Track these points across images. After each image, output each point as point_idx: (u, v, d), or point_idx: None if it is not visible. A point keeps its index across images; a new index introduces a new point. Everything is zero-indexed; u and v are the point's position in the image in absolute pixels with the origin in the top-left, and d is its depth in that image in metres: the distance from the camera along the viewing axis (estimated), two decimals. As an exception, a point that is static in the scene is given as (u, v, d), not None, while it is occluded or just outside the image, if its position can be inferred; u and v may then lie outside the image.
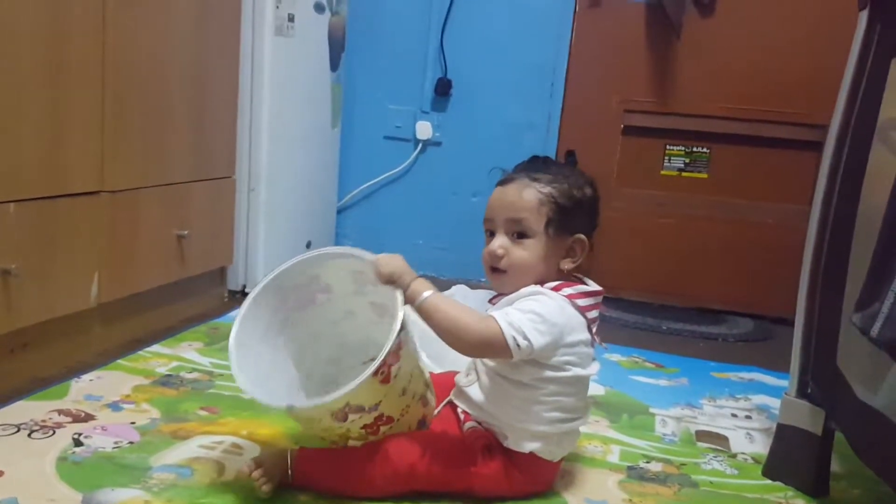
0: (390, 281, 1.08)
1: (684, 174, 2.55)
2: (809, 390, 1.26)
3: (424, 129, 2.69)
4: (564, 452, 1.17)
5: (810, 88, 2.34)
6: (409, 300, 1.07)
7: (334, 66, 2.42)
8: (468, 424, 1.14)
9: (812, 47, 2.34)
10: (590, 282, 1.17)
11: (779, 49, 2.40)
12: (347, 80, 2.60)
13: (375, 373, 1.03)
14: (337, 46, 2.42)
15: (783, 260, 2.29)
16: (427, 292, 1.07)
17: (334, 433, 1.11)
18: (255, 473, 1.05)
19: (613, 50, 2.53)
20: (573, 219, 1.13)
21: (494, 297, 1.18)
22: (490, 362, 1.14)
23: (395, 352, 1.05)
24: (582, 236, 1.14)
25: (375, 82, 2.72)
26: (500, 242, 1.13)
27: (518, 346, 1.04)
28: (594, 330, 1.14)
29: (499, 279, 1.15)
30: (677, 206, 2.55)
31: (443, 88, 2.64)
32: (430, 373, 1.26)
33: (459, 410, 1.18)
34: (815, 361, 1.24)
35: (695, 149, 2.53)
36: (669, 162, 2.56)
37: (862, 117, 1.19)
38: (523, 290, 1.11)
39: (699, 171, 2.54)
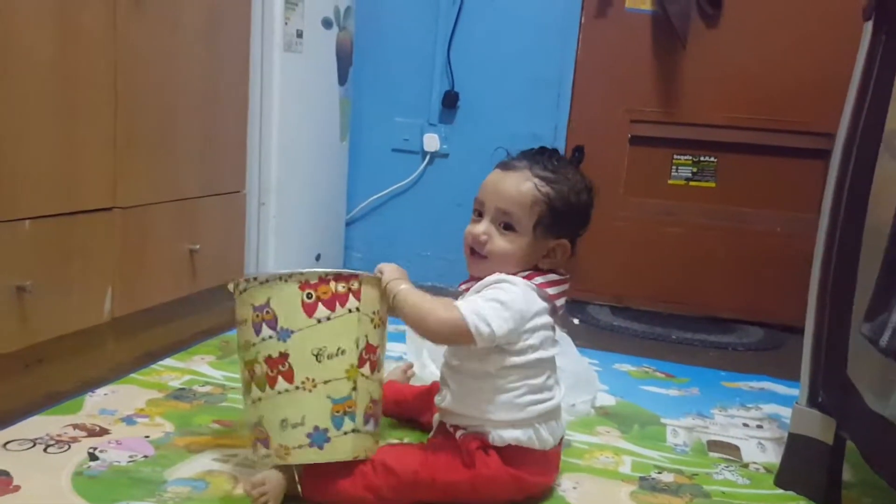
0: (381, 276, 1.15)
1: (692, 183, 2.56)
2: (820, 399, 1.26)
3: (432, 142, 2.70)
4: (555, 439, 1.17)
5: (817, 97, 2.34)
6: (387, 295, 1.13)
7: (342, 80, 2.44)
8: (459, 433, 1.15)
9: (817, 56, 2.34)
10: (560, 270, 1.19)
11: (784, 58, 2.40)
12: (355, 94, 2.62)
13: (303, 286, 1.08)
14: (345, 61, 2.44)
15: (792, 268, 2.29)
16: (402, 286, 1.13)
17: (248, 353, 1.11)
18: (255, 492, 1.06)
19: (619, 61, 2.54)
20: (563, 223, 1.15)
21: (465, 282, 1.20)
22: (454, 365, 1.17)
23: (334, 295, 1.09)
24: (565, 241, 1.16)
25: (383, 96, 2.74)
26: (484, 228, 1.16)
27: (480, 332, 1.06)
28: (559, 313, 1.18)
29: (476, 263, 1.17)
30: (685, 215, 2.55)
31: (450, 101, 2.66)
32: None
33: (449, 426, 1.19)
34: (826, 371, 1.24)
35: (702, 158, 2.54)
36: (677, 171, 2.56)
37: (868, 127, 1.19)
38: (489, 279, 1.13)
39: (707, 181, 2.55)
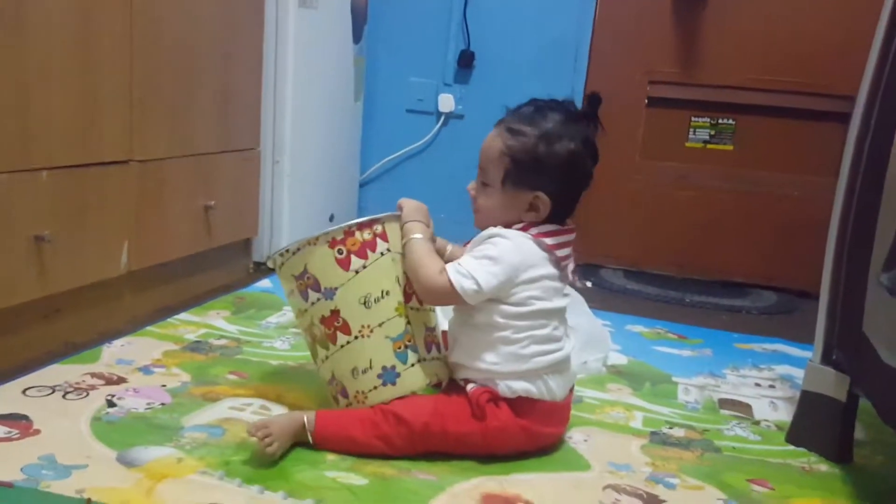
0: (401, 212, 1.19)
1: (709, 146, 2.53)
2: (834, 357, 1.26)
3: (447, 102, 2.69)
4: (564, 390, 1.18)
5: (838, 59, 2.30)
6: (403, 233, 1.17)
7: (357, 38, 2.42)
8: (469, 385, 1.16)
9: (840, 17, 2.30)
10: (567, 222, 1.18)
11: (806, 19, 2.36)
12: (370, 53, 2.60)
13: (332, 244, 1.13)
14: (359, 18, 2.42)
15: (808, 233, 2.28)
16: (415, 235, 1.15)
17: (304, 319, 1.19)
18: (259, 434, 1.06)
19: (638, 20, 2.50)
20: (531, 175, 1.13)
21: (467, 241, 1.21)
22: (461, 317, 1.18)
23: (363, 244, 1.13)
24: (542, 194, 1.13)
25: (398, 55, 2.72)
26: (472, 184, 1.21)
27: (465, 290, 1.09)
28: (571, 267, 1.17)
29: (475, 216, 1.21)
30: (702, 178, 2.53)
31: (465, 61, 2.63)
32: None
33: (459, 379, 1.19)
34: (841, 327, 1.24)
35: (720, 120, 2.51)
36: (694, 134, 2.54)
37: (890, 87, 1.17)
38: (483, 234, 1.15)
39: (724, 143, 2.52)
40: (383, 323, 1.14)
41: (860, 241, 1.18)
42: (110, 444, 1.09)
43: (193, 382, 1.34)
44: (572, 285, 1.20)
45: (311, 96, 2.20)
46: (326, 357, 1.18)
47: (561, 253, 1.15)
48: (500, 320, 1.13)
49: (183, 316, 1.70)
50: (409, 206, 1.19)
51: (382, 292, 1.14)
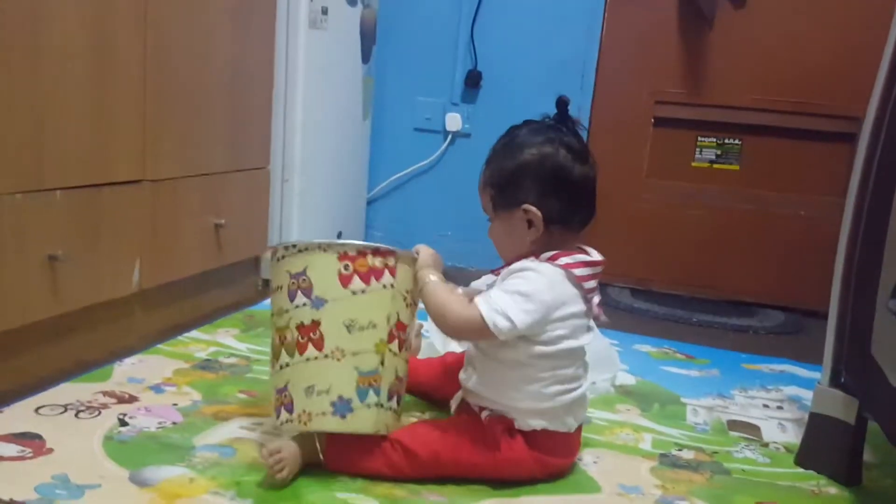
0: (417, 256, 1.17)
1: (716, 166, 2.54)
2: (843, 380, 1.26)
3: (454, 121, 2.70)
4: (578, 421, 1.18)
5: (844, 80, 2.32)
6: (419, 278, 1.15)
7: (366, 58, 2.44)
8: (485, 413, 1.15)
9: (846, 38, 2.32)
10: (592, 251, 1.16)
11: (812, 40, 2.38)
12: (378, 73, 2.62)
13: (341, 257, 1.10)
14: (368, 39, 2.44)
15: (815, 253, 2.28)
16: (431, 278, 1.14)
17: (281, 319, 1.13)
18: (271, 460, 1.06)
19: (644, 41, 2.52)
20: (512, 191, 1.14)
21: (497, 269, 1.20)
22: (483, 349, 1.16)
23: (370, 269, 1.10)
24: (529, 206, 1.12)
25: (405, 74, 2.74)
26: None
27: (498, 328, 1.06)
28: (596, 301, 1.15)
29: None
30: (708, 197, 2.54)
31: (473, 80, 2.65)
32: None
33: (473, 405, 1.19)
34: (849, 350, 1.24)
35: (727, 140, 2.52)
36: (701, 153, 2.55)
37: (899, 106, 1.18)
38: (514, 266, 1.13)
39: (731, 163, 2.53)
40: (358, 353, 1.10)
41: (868, 264, 1.18)
42: (123, 463, 1.10)
43: (204, 401, 1.35)
44: (596, 319, 1.17)
45: (320, 116, 2.22)
46: (287, 364, 1.11)
47: (588, 285, 1.13)
48: (527, 359, 1.11)
49: (193, 334, 1.71)
50: (426, 252, 1.18)
51: (369, 323, 1.10)
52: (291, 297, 1.11)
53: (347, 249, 1.11)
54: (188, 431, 1.22)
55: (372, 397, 1.10)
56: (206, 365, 1.53)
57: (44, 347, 1.42)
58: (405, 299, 1.14)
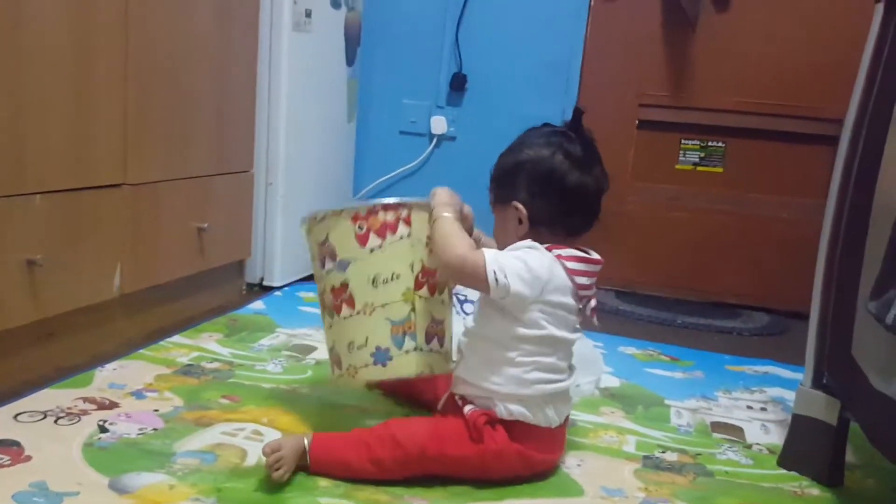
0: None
1: (699, 168, 2.56)
2: (825, 381, 1.27)
3: (439, 124, 2.70)
4: (560, 417, 1.18)
5: (825, 82, 2.34)
6: (433, 215, 1.17)
7: (350, 61, 2.44)
8: (468, 407, 1.16)
9: (827, 41, 2.33)
10: (591, 252, 1.19)
11: (794, 43, 2.39)
12: (363, 75, 2.62)
13: (355, 218, 1.16)
14: (353, 41, 2.44)
15: (798, 254, 2.29)
16: (445, 213, 1.16)
17: (320, 285, 1.23)
18: (272, 458, 1.07)
19: (628, 44, 2.53)
20: (506, 189, 1.18)
21: None
22: (474, 326, 1.19)
23: (384, 224, 1.16)
24: (517, 203, 1.16)
25: (391, 77, 2.73)
26: None
27: (496, 280, 1.09)
28: (592, 305, 1.17)
29: None
30: (692, 200, 2.55)
31: (458, 83, 2.65)
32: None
33: (457, 398, 1.19)
34: (831, 351, 1.25)
35: (710, 143, 2.53)
36: (684, 156, 2.56)
37: (877, 110, 1.19)
38: (521, 242, 1.16)
39: (714, 166, 2.54)
40: (387, 304, 1.16)
41: (849, 266, 1.19)
42: (102, 470, 1.09)
43: (186, 407, 1.34)
44: (589, 322, 1.19)
45: (304, 118, 2.21)
46: (330, 326, 1.22)
47: (580, 281, 1.15)
48: (509, 340, 1.13)
49: (175, 339, 1.70)
50: (442, 193, 1.20)
51: (393, 275, 1.16)
52: (322, 264, 1.20)
53: (359, 210, 1.16)
54: (169, 437, 1.21)
55: (409, 343, 1.18)
56: (189, 370, 1.52)
57: (23, 353, 1.40)
58: (427, 245, 1.18)
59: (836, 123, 1.49)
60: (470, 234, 1.20)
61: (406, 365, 1.17)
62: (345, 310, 1.18)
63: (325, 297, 1.22)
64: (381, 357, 1.17)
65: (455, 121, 2.70)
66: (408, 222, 1.17)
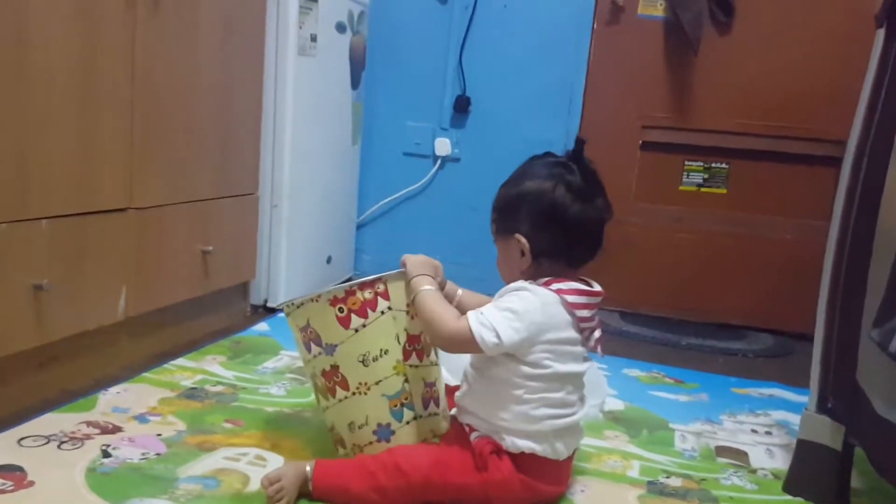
0: (405, 269, 1.19)
1: (703, 189, 2.56)
2: (829, 405, 1.26)
3: (443, 146, 2.72)
4: (569, 450, 1.17)
5: (828, 104, 2.34)
6: (411, 291, 1.17)
7: (355, 84, 2.46)
8: (474, 435, 1.15)
9: (829, 63, 2.34)
10: (593, 283, 1.18)
11: (796, 65, 2.40)
12: (368, 98, 2.64)
13: (333, 302, 1.15)
14: (358, 65, 2.46)
15: (802, 275, 2.28)
16: (425, 287, 1.16)
17: (308, 368, 1.23)
18: (271, 490, 1.08)
19: (631, 67, 2.55)
20: (508, 220, 1.17)
21: None
22: (476, 365, 1.17)
23: (364, 303, 1.15)
24: (518, 235, 1.15)
25: (395, 100, 2.75)
26: None
27: (485, 341, 1.08)
28: (597, 336, 1.16)
29: None
30: (696, 221, 2.55)
31: (461, 105, 2.67)
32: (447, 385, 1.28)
33: (464, 425, 1.19)
34: (835, 377, 1.24)
35: (713, 164, 2.54)
36: (688, 177, 2.57)
37: (880, 133, 1.19)
38: (510, 286, 1.15)
39: (718, 187, 2.55)
40: (380, 381, 1.16)
41: (853, 290, 1.19)
42: (105, 495, 1.08)
43: (189, 431, 1.34)
44: (593, 351, 1.18)
45: (309, 141, 2.22)
46: (327, 407, 1.22)
47: (581, 314, 1.13)
48: (516, 379, 1.12)
49: (180, 361, 1.70)
50: (413, 261, 1.20)
51: (381, 351, 1.16)
52: (308, 349, 1.20)
53: (336, 293, 1.16)
54: (172, 462, 1.21)
55: (408, 413, 1.18)
56: (192, 393, 1.52)
57: (27, 377, 1.41)
58: (408, 313, 1.19)
59: (839, 145, 1.50)
60: (442, 288, 1.21)
61: (409, 435, 1.18)
62: (339, 392, 1.18)
63: (317, 380, 1.21)
64: (384, 433, 1.17)
65: (459, 143, 2.72)
66: (385, 297, 1.17)
